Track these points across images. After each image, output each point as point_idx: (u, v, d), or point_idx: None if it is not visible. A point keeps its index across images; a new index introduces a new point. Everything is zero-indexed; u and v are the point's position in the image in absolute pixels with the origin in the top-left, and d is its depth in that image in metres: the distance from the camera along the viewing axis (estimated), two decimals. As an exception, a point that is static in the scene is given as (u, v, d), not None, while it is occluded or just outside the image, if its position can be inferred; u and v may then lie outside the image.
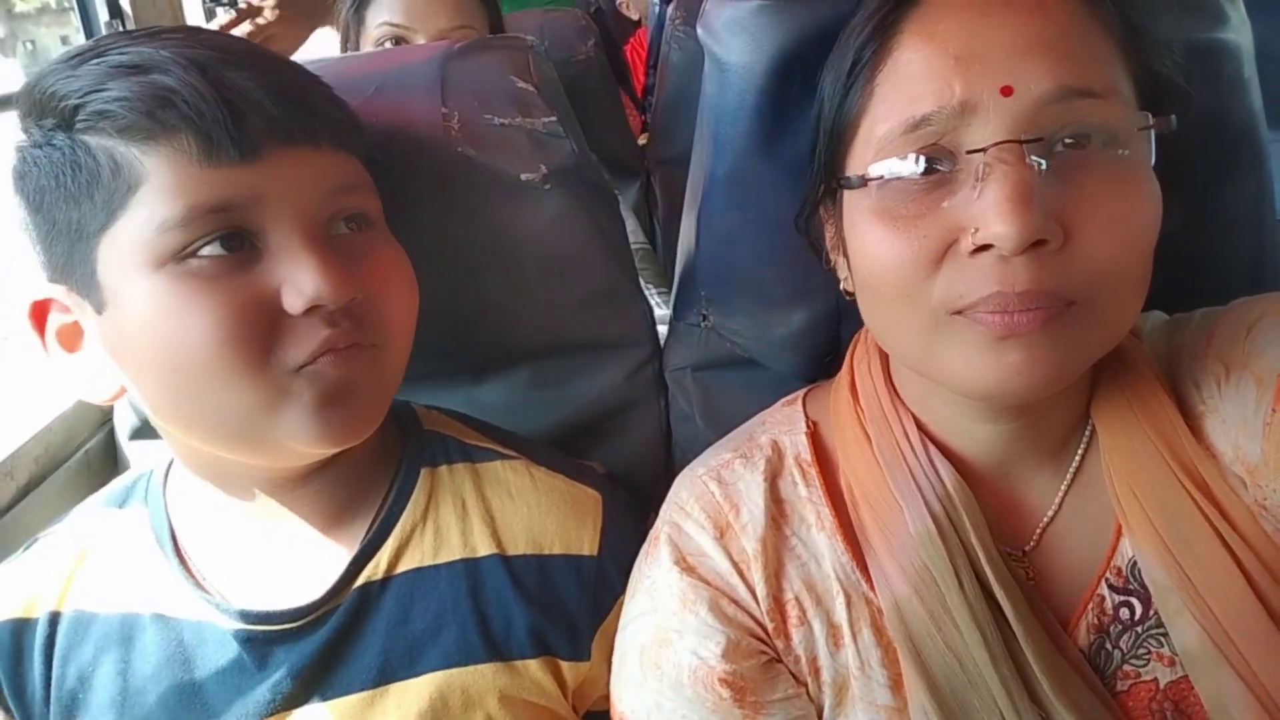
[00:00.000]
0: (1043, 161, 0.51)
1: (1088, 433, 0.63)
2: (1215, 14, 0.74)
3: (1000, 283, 0.52)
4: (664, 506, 0.70)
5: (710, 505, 0.67)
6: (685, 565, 0.65)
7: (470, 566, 0.71)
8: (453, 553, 0.72)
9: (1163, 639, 0.58)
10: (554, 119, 0.80)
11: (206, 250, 0.58)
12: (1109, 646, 0.60)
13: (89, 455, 1.04)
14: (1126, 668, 0.59)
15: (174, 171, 0.57)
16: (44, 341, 0.64)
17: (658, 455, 0.90)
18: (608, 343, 0.89)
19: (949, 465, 0.62)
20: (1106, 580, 0.60)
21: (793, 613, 0.63)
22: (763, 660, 0.63)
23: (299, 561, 0.70)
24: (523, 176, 0.80)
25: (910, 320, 0.57)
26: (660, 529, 0.69)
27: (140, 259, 0.58)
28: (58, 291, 0.62)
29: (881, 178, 0.56)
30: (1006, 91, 0.52)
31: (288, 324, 0.59)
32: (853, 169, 0.59)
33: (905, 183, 0.55)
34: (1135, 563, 0.59)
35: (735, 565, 0.64)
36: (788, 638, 0.63)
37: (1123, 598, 0.60)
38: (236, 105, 0.58)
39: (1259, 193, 0.77)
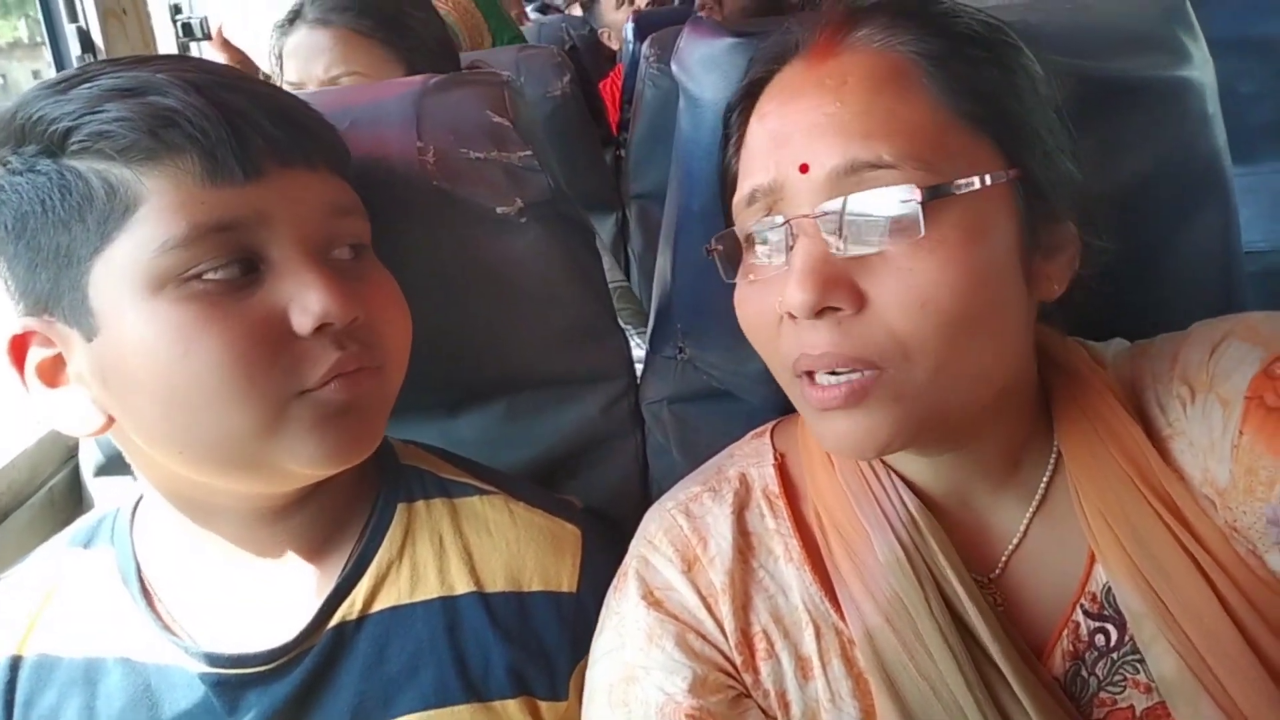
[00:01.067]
0: (836, 236, 0.55)
1: (1053, 458, 0.63)
2: (1178, 52, 0.75)
3: (801, 345, 0.56)
4: (634, 541, 0.70)
5: (678, 538, 0.67)
6: (652, 600, 0.65)
7: (448, 605, 0.70)
8: (429, 591, 0.70)
9: (1139, 665, 0.58)
10: (530, 153, 0.80)
11: (210, 272, 0.57)
12: (1085, 673, 0.59)
13: (53, 492, 1.02)
14: (1103, 695, 0.59)
15: (177, 191, 0.57)
16: (23, 378, 0.62)
17: (635, 488, 0.89)
18: (584, 376, 0.88)
19: (910, 493, 0.63)
20: (1081, 606, 0.60)
21: (760, 646, 0.63)
22: (731, 695, 0.62)
23: (271, 601, 0.68)
24: (499, 210, 0.80)
25: (778, 376, 0.62)
26: (629, 563, 0.68)
27: (139, 281, 0.57)
28: (37, 324, 0.60)
29: (720, 249, 0.64)
30: (804, 168, 0.56)
31: (297, 346, 0.59)
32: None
33: (758, 249, 0.61)
34: (1110, 588, 0.59)
35: (703, 599, 0.64)
36: (756, 671, 0.62)
37: (1098, 624, 0.60)
38: (239, 125, 0.58)
39: (1225, 225, 0.79)
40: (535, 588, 0.72)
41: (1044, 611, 0.61)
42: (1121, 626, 0.59)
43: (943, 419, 0.57)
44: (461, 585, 0.71)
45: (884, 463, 0.64)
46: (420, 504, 0.74)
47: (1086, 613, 0.60)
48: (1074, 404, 0.63)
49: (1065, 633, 0.60)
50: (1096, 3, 0.80)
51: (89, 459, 0.96)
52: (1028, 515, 0.63)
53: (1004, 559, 0.63)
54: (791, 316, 0.56)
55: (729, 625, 0.63)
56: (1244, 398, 0.57)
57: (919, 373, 0.54)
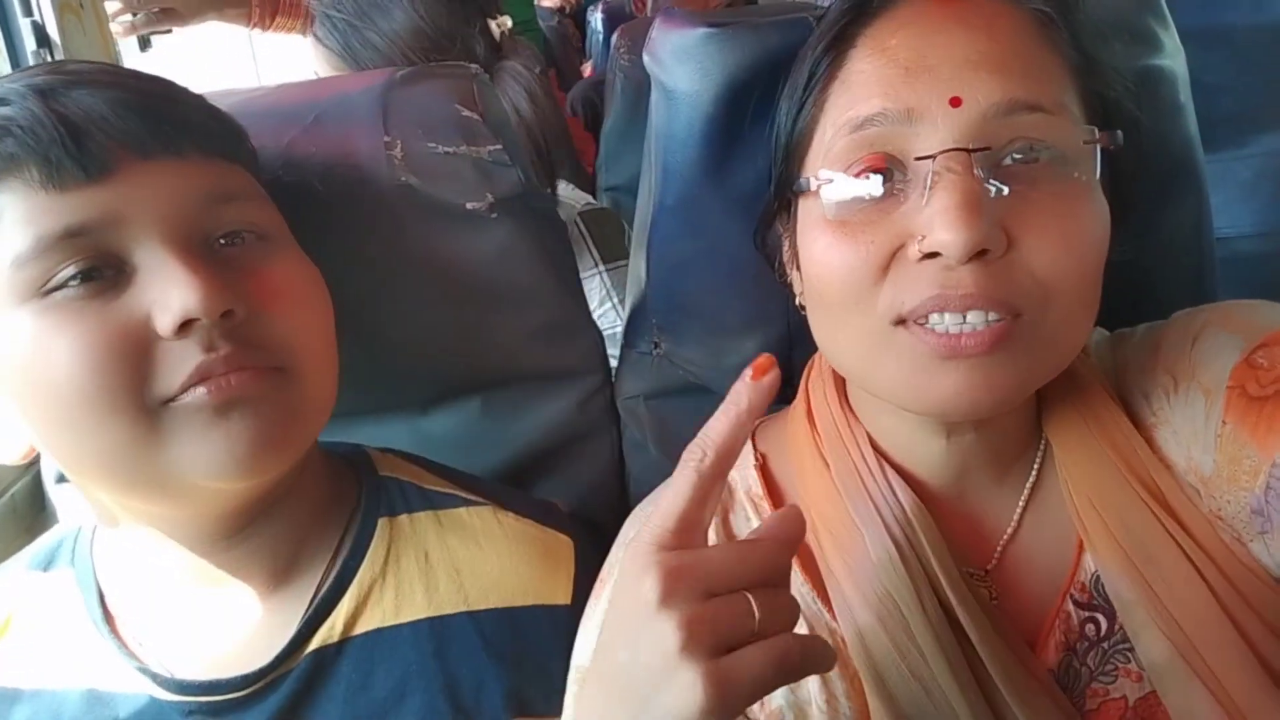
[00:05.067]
0: (990, 175, 0.52)
1: (1041, 448, 0.63)
2: (1151, 41, 0.76)
3: (942, 286, 0.52)
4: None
5: None
6: None
7: (436, 625, 0.67)
8: (416, 611, 0.67)
9: (1129, 654, 0.58)
10: (499, 147, 0.79)
11: (65, 280, 0.54)
12: (1076, 664, 0.59)
13: (14, 501, 0.99)
14: (1095, 685, 0.59)
15: (23, 203, 0.55)
16: None
17: (612, 485, 0.88)
18: (558, 372, 0.87)
19: (907, 488, 0.62)
20: (1071, 596, 0.60)
21: None
22: None
23: (243, 625, 0.66)
24: (469, 205, 0.78)
25: (856, 330, 0.57)
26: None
27: (4, 299, 0.55)
28: None
29: (830, 181, 0.57)
30: (955, 102, 0.53)
31: (159, 350, 0.55)
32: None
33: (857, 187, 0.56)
34: (1098, 577, 0.59)
35: None
36: None
37: (1088, 613, 0.60)
38: (77, 124, 0.55)
39: (1198, 213, 0.79)
40: (529, 602, 0.70)
41: (1037, 603, 0.61)
42: (1111, 616, 0.59)
43: (1044, 378, 0.57)
44: (450, 604, 0.68)
45: (880, 456, 0.64)
46: (403, 518, 0.71)
47: (1076, 602, 0.60)
48: (1061, 394, 0.63)
49: (1057, 623, 0.60)
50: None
51: (50, 466, 0.94)
52: (1020, 506, 0.63)
53: (999, 551, 0.63)
54: (929, 258, 0.53)
55: None
56: (1226, 387, 0.57)
57: (1053, 321, 0.53)
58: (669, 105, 0.76)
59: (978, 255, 0.51)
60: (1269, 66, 1.29)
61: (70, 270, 0.55)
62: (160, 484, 0.57)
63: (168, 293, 0.55)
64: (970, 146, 0.52)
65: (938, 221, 0.51)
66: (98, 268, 0.55)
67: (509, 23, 1.25)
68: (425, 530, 0.71)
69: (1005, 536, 0.63)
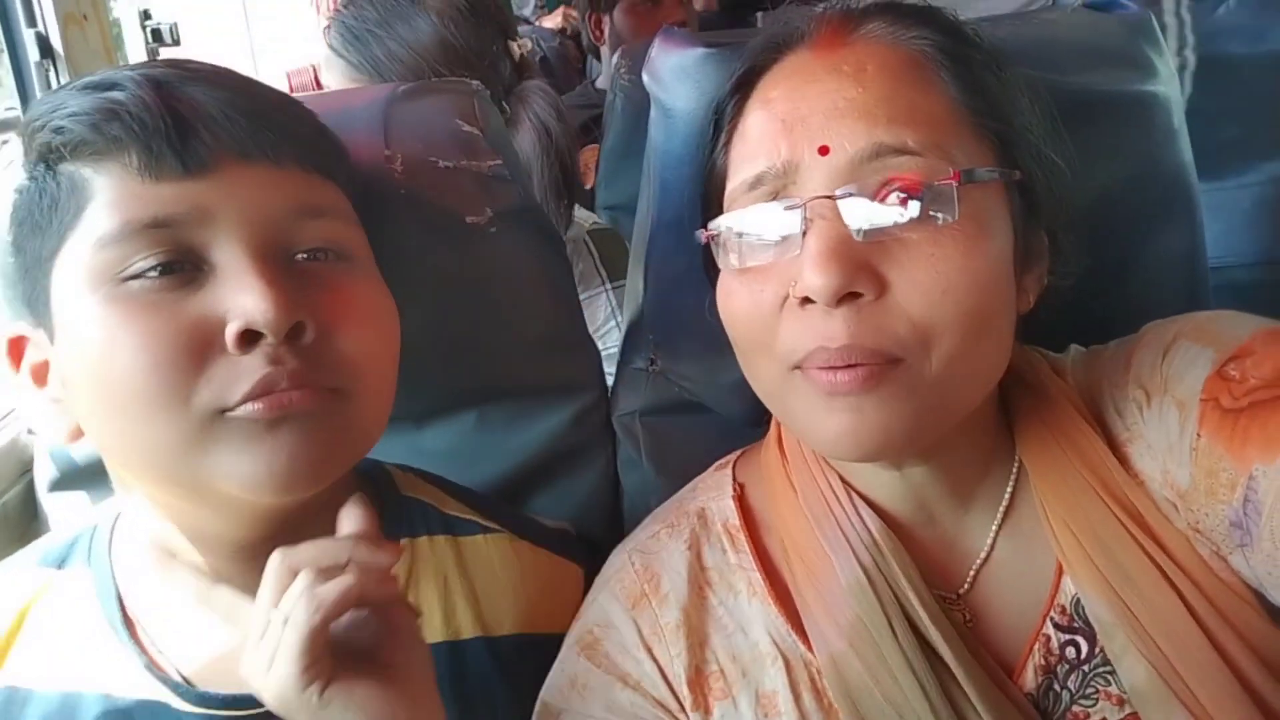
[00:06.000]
0: (861, 219, 0.54)
1: (1015, 470, 0.63)
2: (1145, 68, 0.76)
3: (821, 338, 0.54)
4: (595, 583, 0.70)
5: (627, 577, 0.67)
6: (586, 642, 0.65)
7: (454, 650, 0.67)
8: (434, 634, 0.67)
9: (1110, 677, 0.58)
10: (499, 162, 0.80)
11: (150, 271, 0.54)
12: (1057, 687, 0.59)
13: (6, 508, 0.99)
14: (1075, 709, 0.59)
15: (118, 187, 0.55)
16: (21, 380, 0.61)
17: (605, 501, 0.88)
18: (554, 387, 0.87)
19: (873, 514, 0.62)
20: (1051, 619, 0.60)
21: (716, 685, 0.62)
22: None
23: None
24: (468, 219, 0.79)
25: (765, 373, 0.59)
26: (586, 604, 0.69)
27: (82, 281, 0.55)
28: (28, 328, 0.60)
29: (727, 230, 0.59)
30: (823, 151, 0.55)
31: (227, 359, 0.54)
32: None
33: (752, 237, 0.58)
34: (1079, 600, 0.59)
35: (643, 638, 0.63)
36: (708, 711, 0.62)
37: (1068, 636, 0.60)
38: (184, 118, 0.56)
39: (1191, 238, 0.80)
40: (543, 630, 0.70)
41: (1014, 626, 0.61)
42: (1091, 638, 0.59)
43: (943, 419, 0.56)
44: (468, 629, 0.68)
45: (846, 484, 0.64)
46: (424, 540, 0.70)
47: (1056, 625, 0.60)
48: (1034, 416, 0.63)
49: (1036, 646, 0.60)
50: (1065, 18, 0.81)
51: (43, 474, 0.94)
52: (993, 530, 0.63)
53: (971, 574, 0.63)
54: (806, 303, 0.54)
55: (679, 663, 0.62)
56: (1199, 400, 0.57)
57: (934, 364, 0.54)
58: (667, 123, 0.77)
59: (849, 299, 0.53)
60: (1269, 96, 1.30)
61: (150, 261, 0.55)
62: (196, 488, 0.57)
63: (240, 298, 0.54)
64: (835, 193, 0.54)
65: (807, 266, 0.53)
66: (177, 262, 0.55)
67: (529, 45, 1.26)
68: (445, 555, 0.70)
69: (979, 561, 0.63)
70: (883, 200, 0.54)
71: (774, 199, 0.57)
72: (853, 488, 0.64)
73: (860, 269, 0.53)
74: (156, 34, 1.87)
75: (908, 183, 0.53)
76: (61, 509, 0.92)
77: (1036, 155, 0.58)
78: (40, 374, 0.60)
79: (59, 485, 0.92)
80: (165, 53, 1.86)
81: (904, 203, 0.53)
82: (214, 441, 0.55)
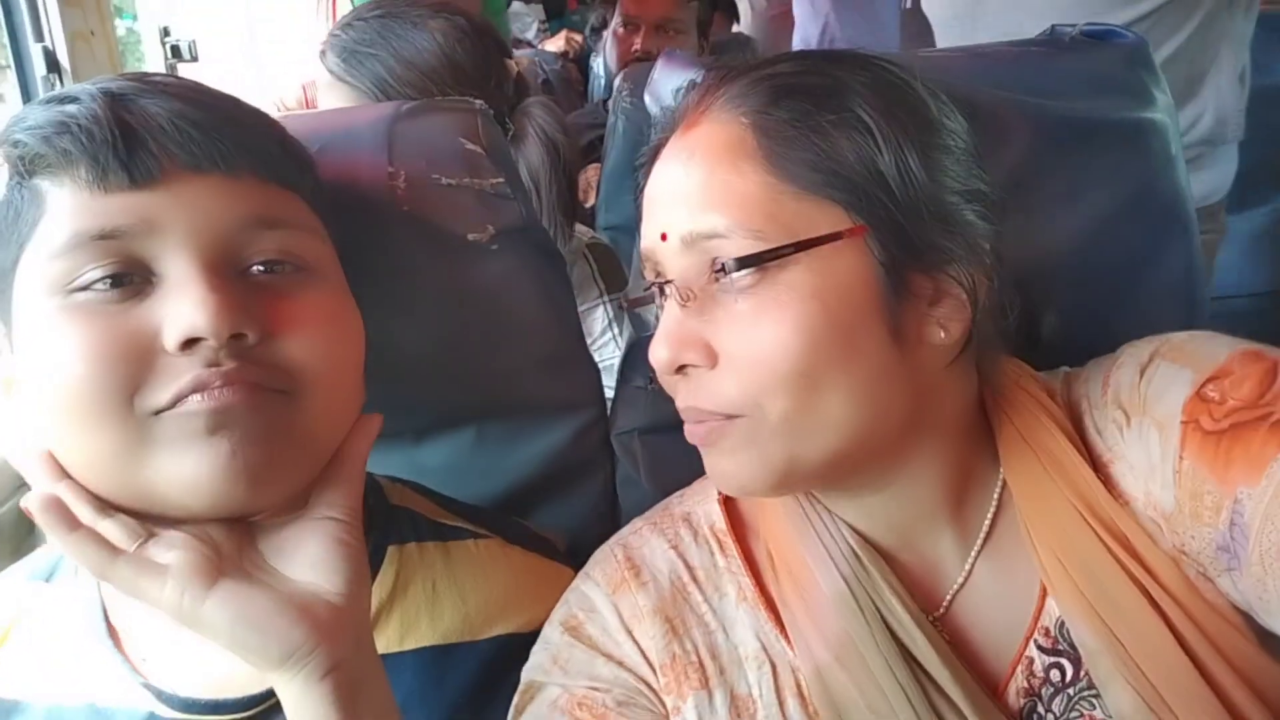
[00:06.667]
0: (678, 295, 0.59)
1: (998, 492, 0.63)
2: (1142, 95, 0.77)
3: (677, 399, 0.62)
4: (579, 576, 0.71)
5: (610, 566, 0.68)
6: (571, 625, 0.66)
7: (440, 654, 0.67)
8: (421, 638, 0.67)
9: (1095, 701, 0.58)
10: (502, 180, 0.80)
11: (91, 281, 0.55)
12: (1041, 710, 0.59)
13: (2, 523, 0.98)
14: None
15: (69, 199, 0.55)
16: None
17: (604, 519, 0.88)
18: (554, 405, 0.87)
19: (851, 531, 0.63)
20: (1035, 641, 0.60)
21: (694, 675, 0.62)
22: (636, 711, 0.62)
23: None
24: (470, 236, 0.79)
25: None
26: (571, 590, 0.69)
27: (38, 291, 0.55)
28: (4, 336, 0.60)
29: None
30: (663, 237, 0.60)
31: (161, 362, 0.54)
32: None
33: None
34: (1063, 622, 0.59)
35: (623, 621, 0.65)
36: (681, 697, 0.62)
37: (1053, 659, 0.60)
38: (133, 129, 0.56)
39: (1188, 266, 0.80)
40: (533, 629, 0.70)
41: (995, 648, 0.61)
42: (1076, 661, 0.59)
43: (801, 465, 0.58)
44: (455, 634, 0.68)
45: (820, 503, 0.64)
46: (412, 546, 0.71)
47: (1041, 648, 0.60)
48: (1018, 438, 0.62)
49: (1019, 668, 0.60)
50: (1063, 47, 0.82)
51: (40, 486, 0.93)
52: (973, 553, 0.63)
53: (948, 598, 0.63)
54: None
55: (656, 647, 0.63)
56: (1180, 422, 0.57)
57: (771, 419, 0.56)
58: (669, 144, 0.78)
59: (687, 369, 0.59)
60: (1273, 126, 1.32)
61: (99, 272, 0.55)
62: (144, 496, 0.56)
63: (180, 308, 0.54)
64: (668, 277, 0.60)
65: (653, 342, 0.60)
66: (125, 274, 0.55)
67: (524, 62, 1.27)
68: (433, 560, 0.71)
69: (956, 584, 0.63)
70: (712, 280, 0.57)
71: (654, 274, 0.63)
72: (827, 507, 0.64)
73: (689, 345, 0.58)
74: (175, 50, 1.92)
75: (719, 264, 0.56)
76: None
77: (903, 202, 0.57)
78: (9, 384, 0.60)
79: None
80: (183, 69, 1.89)
81: (716, 281, 0.57)
82: (154, 444, 0.54)
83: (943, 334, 0.58)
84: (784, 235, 0.56)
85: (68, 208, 0.55)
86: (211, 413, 0.54)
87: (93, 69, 1.35)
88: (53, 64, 1.33)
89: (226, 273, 0.57)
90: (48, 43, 1.33)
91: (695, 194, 0.58)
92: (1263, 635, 0.55)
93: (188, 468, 0.54)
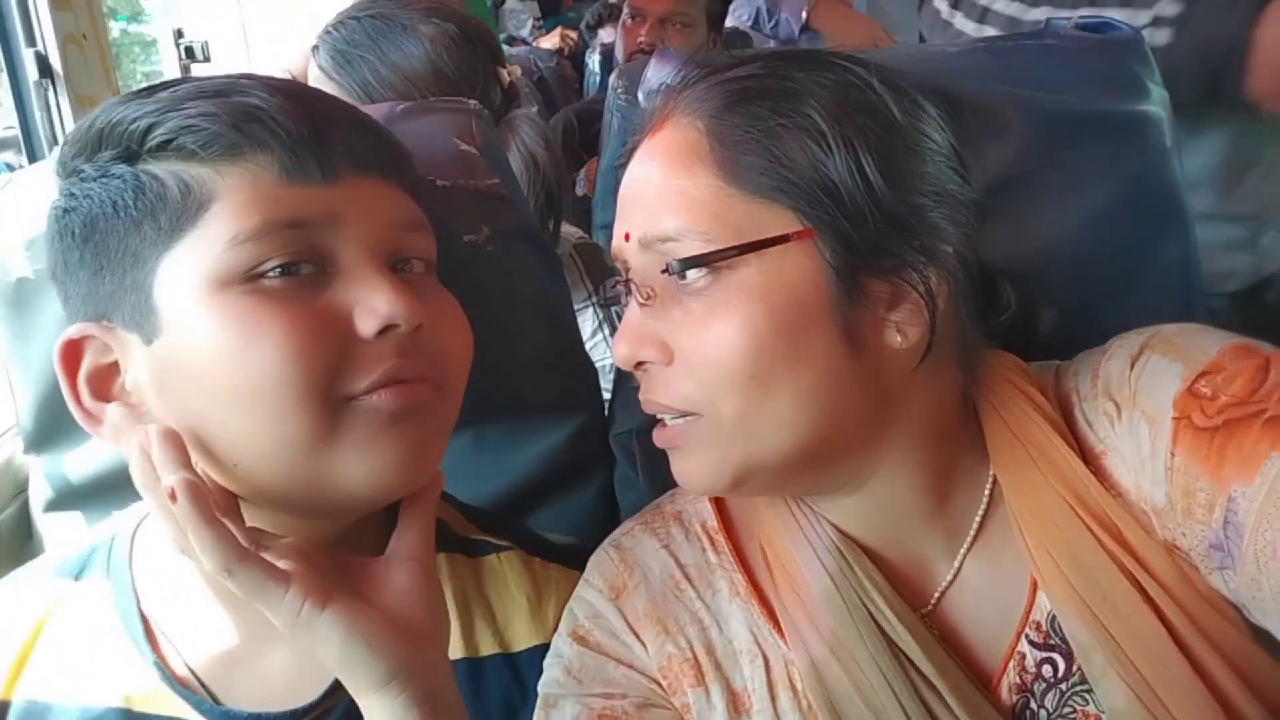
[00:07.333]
0: (639, 293, 0.61)
1: (989, 487, 0.63)
2: (1137, 88, 0.77)
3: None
4: (582, 581, 0.71)
5: (608, 569, 0.68)
6: (579, 634, 0.66)
7: (473, 666, 0.67)
8: (454, 651, 0.66)
9: (1088, 696, 0.58)
10: (497, 181, 0.80)
11: (278, 270, 0.56)
12: (1034, 705, 0.59)
13: (1, 528, 0.98)
14: None
15: (253, 187, 0.56)
16: (74, 386, 0.59)
17: (603, 520, 0.88)
18: (551, 406, 0.87)
19: (835, 529, 0.63)
20: (1027, 636, 0.60)
21: (690, 672, 0.63)
22: (655, 713, 0.63)
23: (289, 657, 0.63)
24: (465, 238, 0.79)
25: None
26: (574, 599, 0.69)
27: (205, 278, 0.55)
28: (96, 329, 0.58)
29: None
30: (627, 237, 0.62)
31: (356, 349, 0.57)
32: None
33: None
34: (1054, 617, 0.59)
35: (629, 624, 0.65)
36: (685, 694, 0.63)
37: (1045, 654, 0.59)
38: (321, 127, 0.59)
39: (1184, 260, 0.80)
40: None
41: (986, 644, 0.61)
42: (1069, 657, 0.58)
43: (758, 464, 0.59)
44: (486, 646, 0.68)
45: (805, 502, 0.64)
46: (442, 555, 0.71)
47: (1032, 643, 0.60)
48: (1006, 433, 0.62)
49: (1011, 664, 0.60)
50: (1058, 40, 0.82)
51: (38, 494, 0.93)
52: (963, 549, 0.63)
53: (937, 594, 0.63)
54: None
55: (655, 646, 0.64)
56: (1172, 418, 0.56)
57: (726, 419, 0.57)
58: (664, 143, 0.77)
59: (646, 365, 0.60)
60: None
61: (278, 261, 0.56)
62: (310, 484, 0.57)
63: (373, 298, 0.57)
64: (629, 276, 0.62)
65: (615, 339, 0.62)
66: (304, 262, 0.57)
67: (518, 71, 1.27)
68: (463, 572, 0.71)
69: (945, 580, 0.63)
70: (670, 281, 0.58)
71: (624, 272, 0.64)
72: (810, 505, 0.65)
73: (645, 342, 0.60)
74: (189, 51, 1.96)
75: (666, 264, 0.58)
76: (57, 529, 0.91)
77: (862, 204, 0.56)
78: (101, 379, 0.59)
79: (54, 505, 0.91)
80: (195, 69, 1.92)
81: (676, 282, 0.58)
82: (344, 431, 0.56)
83: (900, 338, 0.58)
84: (732, 238, 0.56)
85: (251, 196, 0.56)
86: (399, 406, 0.57)
87: (85, 73, 1.35)
88: (45, 69, 1.32)
89: (391, 268, 0.61)
90: (40, 47, 1.32)
91: (652, 197, 0.60)
92: (1255, 628, 0.55)
93: (372, 459, 0.57)
